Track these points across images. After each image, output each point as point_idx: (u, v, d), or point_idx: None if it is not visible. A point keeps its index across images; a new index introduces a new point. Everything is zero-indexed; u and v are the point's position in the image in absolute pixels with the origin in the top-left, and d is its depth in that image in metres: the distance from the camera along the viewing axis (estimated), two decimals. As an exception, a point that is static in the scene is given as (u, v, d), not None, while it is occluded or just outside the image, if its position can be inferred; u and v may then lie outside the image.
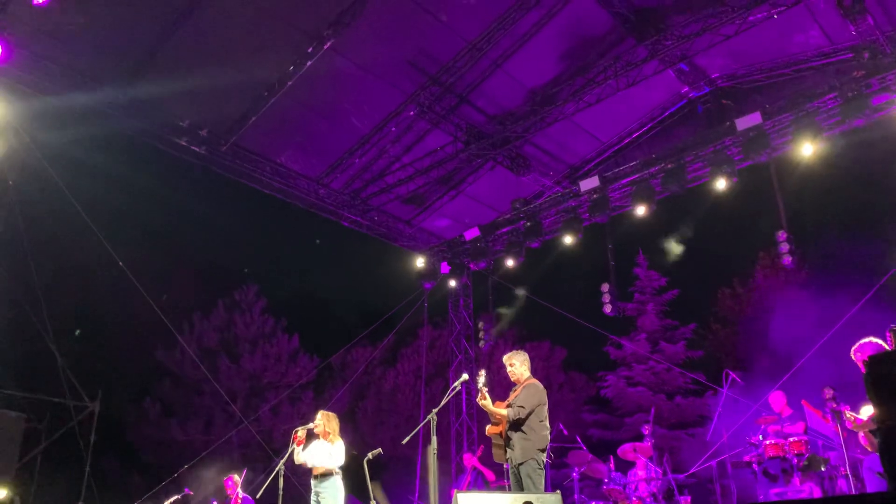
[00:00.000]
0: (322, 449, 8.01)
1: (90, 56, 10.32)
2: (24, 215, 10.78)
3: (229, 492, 10.83)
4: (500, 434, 7.10)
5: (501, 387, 24.64)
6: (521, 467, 6.82)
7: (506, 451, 7.03)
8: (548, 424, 7.09)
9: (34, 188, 11.71)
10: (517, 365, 7.32)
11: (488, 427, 7.25)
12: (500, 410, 6.97)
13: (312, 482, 8.02)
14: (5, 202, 10.78)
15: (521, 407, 6.87)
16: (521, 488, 6.75)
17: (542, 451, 6.92)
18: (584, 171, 14.18)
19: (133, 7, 9.86)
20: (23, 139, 10.24)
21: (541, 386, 7.17)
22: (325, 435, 8.06)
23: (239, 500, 10.69)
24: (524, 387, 7.13)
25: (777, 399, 9.83)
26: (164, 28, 10.22)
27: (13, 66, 9.71)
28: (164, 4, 9.96)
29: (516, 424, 6.89)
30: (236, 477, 11.00)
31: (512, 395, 7.15)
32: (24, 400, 12.00)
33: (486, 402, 6.93)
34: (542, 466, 6.90)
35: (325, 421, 8.15)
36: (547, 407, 7.10)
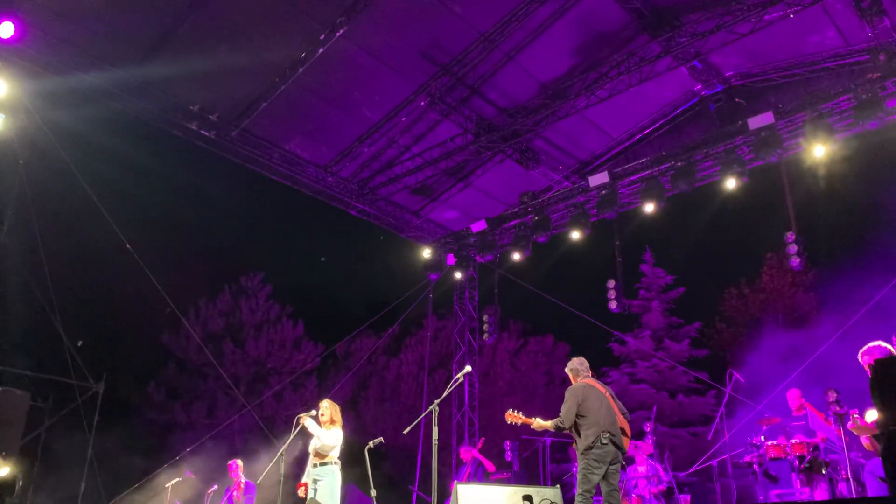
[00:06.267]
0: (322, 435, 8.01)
1: (103, 37, 10.32)
2: (34, 195, 10.81)
3: (232, 475, 10.86)
4: None
5: (503, 379, 24.70)
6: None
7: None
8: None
9: (44, 168, 11.72)
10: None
11: None
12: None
13: (310, 469, 8.02)
14: (16, 182, 10.81)
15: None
16: None
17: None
18: (593, 166, 14.15)
19: (147, -10, 9.87)
20: (34, 119, 10.25)
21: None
22: (331, 422, 8.06)
23: (242, 485, 10.73)
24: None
25: (793, 396, 9.68)
26: (178, 11, 10.23)
27: (26, 45, 9.74)
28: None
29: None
30: (239, 461, 11.02)
31: None
32: (29, 379, 12.05)
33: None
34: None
35: (332, 410, 8.14)
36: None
